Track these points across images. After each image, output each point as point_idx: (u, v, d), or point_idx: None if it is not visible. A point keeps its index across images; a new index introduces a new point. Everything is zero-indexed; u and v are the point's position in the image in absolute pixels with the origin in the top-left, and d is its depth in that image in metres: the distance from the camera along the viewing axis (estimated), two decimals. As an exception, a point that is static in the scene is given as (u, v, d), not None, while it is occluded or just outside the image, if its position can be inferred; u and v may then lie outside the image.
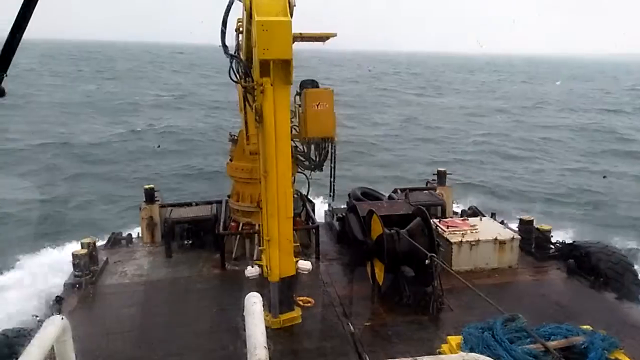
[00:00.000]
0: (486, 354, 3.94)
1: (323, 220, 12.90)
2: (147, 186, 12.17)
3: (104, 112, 45.47)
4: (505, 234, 10.07)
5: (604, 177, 28.54)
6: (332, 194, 10.56)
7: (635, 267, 9.79)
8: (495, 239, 9.83)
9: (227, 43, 7.64)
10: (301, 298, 8.40)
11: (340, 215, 11.85)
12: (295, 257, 7.80)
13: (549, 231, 10.58)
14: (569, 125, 47.81)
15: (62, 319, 2.00)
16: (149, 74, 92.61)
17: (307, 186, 10.21)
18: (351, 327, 7.38)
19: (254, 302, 2.02)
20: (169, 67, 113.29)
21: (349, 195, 12.80)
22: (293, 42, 6.59)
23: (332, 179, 9.93)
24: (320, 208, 13.72)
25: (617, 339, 4.05)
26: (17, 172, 24.68)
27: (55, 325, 1.96)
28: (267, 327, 7.51)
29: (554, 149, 36.72)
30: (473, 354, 1.72)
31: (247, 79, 7.29)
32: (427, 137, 40.70)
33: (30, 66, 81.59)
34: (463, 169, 29.10)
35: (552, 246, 10.54)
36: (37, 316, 8.68)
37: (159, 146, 32.94)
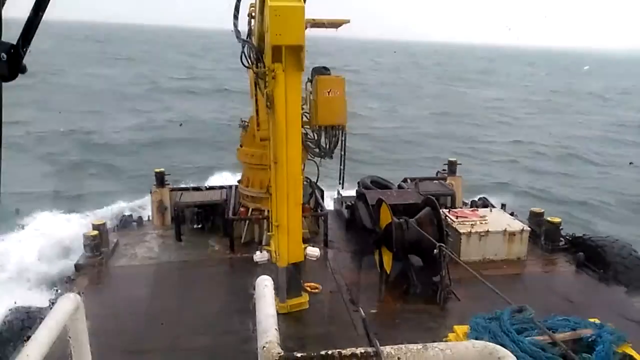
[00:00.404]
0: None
1: (332, 208, 12.93)
2: (157, 170, 12.25)
3: (120, 97, 44.86)
4: (514, 225, 10.02)
5: (630, 163, 27.10)
6: (341, 181, 10.56)
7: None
8: (505, 230, 9.78)
9: (239, 28, 7.61)
10: (309, 284, 8.46)
11: (350, 203, 11.86)
12: (304, 243, 7.85)
13: (559, 224, 10.51)
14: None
15: (76, 296, 2.03)
16: (164, 56, 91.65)
17: (317, 173, 10.22)
18: (362, 312, 7.39)
19: (265, 285, 2.03)
20: (184, 49, 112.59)
21: (358, 183, 12.80)
22: (306, 28, 6.56)
23: (342, 167, 9.92)
24: (330, 195, 13.74)
25: (625, 332, 4.03)
26: (23, 158, 24.44)
27: (69, 302, 1.99)
28: (274, 312, 7.54)
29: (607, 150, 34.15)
30: (482, 341, 1.73)
31: (258, 64, 7.26)
32: (453, 132, 37.74)
33: (44, 47, 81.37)
34: (505, 170, 27.12)
35: (561, 239, 10.48)
36: (57, 289, 8.83)
37: (181, 124, 32.76)
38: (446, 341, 4.58)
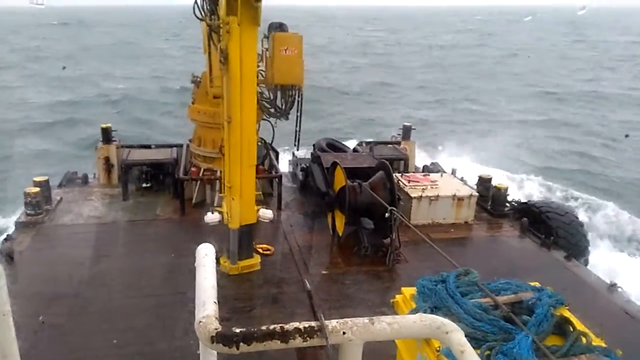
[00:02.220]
0: (439, 306, 4.04)
1: (287, 170, 12.83)
2: (103, 125, 11.71)
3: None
4: (464, 190, 10.26)
5: (626, 135, 25.66)
6: (297, 143, 10.42)
7: (586, 227, 10.19)
8: (454, 195, 10.01)
9: None
10: (261, 245, 8.42)
11: (304, 166, 11.79)
12: (257, 205, 7.75)
13: (506, 189, 10.85)
14: None
15: None
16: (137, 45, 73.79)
17: (271, 134, 10.04)
18: (307, 285, 7.33)
19: (205, 254, 1.93)
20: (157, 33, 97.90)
21: (313, 145, 12.70)
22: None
23: (297, 129, 9.77)
24: (285, 157, 13.61)
25: (563, 296, 4.20)
26: None
27: None
28: (225, 273, 7.40)
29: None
30: (430, 315, 1.71)
31: (212, 16, 6.92)
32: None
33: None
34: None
35: (507, 204, 10.85)
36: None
37: (64, 67, 30.62)
38: (393, 303, 4.67)
